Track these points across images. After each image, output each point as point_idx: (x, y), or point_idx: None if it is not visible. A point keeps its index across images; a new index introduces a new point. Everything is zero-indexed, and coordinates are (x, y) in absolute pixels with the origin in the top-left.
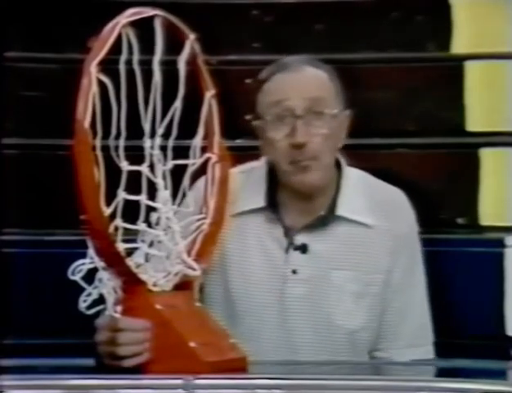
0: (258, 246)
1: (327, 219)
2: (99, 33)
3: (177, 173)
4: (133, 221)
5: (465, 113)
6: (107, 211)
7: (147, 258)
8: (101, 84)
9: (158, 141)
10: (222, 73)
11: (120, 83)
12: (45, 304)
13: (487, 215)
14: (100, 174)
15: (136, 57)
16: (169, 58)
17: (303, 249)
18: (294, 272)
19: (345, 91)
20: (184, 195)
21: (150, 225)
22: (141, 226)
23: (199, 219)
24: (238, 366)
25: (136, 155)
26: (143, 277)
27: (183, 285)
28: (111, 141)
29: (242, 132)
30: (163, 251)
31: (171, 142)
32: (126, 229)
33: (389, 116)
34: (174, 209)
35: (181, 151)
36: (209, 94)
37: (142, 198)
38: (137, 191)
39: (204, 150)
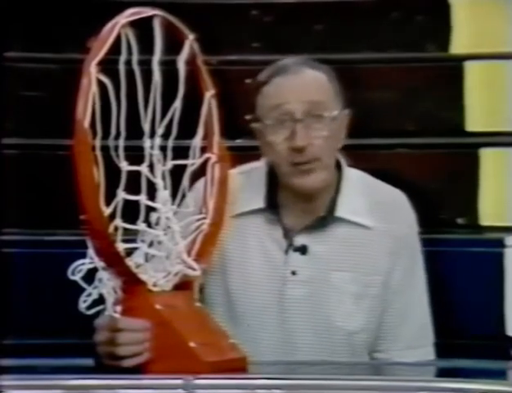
0: (258, 247)
1: (327, 220)
2: (98, 33)
3: (176, 174)
4: (133, 221)
5: (465, 113)
6: (107, 211)
7: (147, 258)
8: (101, 84)
9: (158, 141)
10: (222, 73)
11: (119, 83)
12: (45, 304)
13: (487, 215)
14: (99, 174)
15: (135, 57)
16: (169, 58)
17: (303, 250)
18: (294, 273)
19: (345, 91)
20: (184, 195)
21: (149, 225)
22: (140, 226)
23: (198, 220)
24: (238, 366)
25: (135, 155)
26: (143, 277)
27: (183, 285)
28: (111, 141)
29: (242, 132)
30: (163, 251)
31: (170, 142)
32: (126, 229)
33: (389, 116)
34: (174, 209)
35: (181, 152)
36: (209, 94)
37: (142, 198)
38: (137, 192)
39: (203, 150)
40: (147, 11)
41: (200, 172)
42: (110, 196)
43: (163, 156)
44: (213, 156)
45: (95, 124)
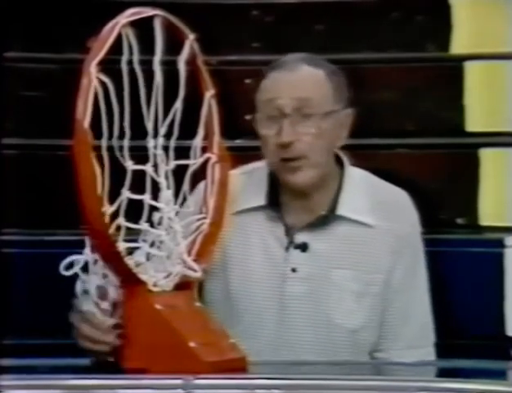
0: (259, 244)
1: (328, 218)
2: (99, 33)
3: (177, 174)
4: (135, 221)
5: (465, 113)
6: (109, 210)
7: (148, 258)
8: (102, 85)
9: (160, 141)
10: (222, 73)
11: (119, 83)
12: (45, 304)
13: (487, 215)
14: (104, 174)
15: (136, 57)
16: (169, 58)
17: (303, 247)
18: (294, 270)
19: (349, 89)
20: (185, 195)
21: (151, 225)
22: (143, 225)
23: (199, 219)
24: (238, 366)
25: (134, 155)
26: (143, 277)
27: (183, 285)
28: (114, 141)
29: (242, 132)
30: (164, 251)
31: (172, 143)
32: (127, 229)
33: (389, 116)
34: (176, 209)
35: (181, 152)
36: (209, 94)
37: (146, 198)
38: (137, 192)
39: (203, 150)
40: (148, 11)
41: (202, 172)
42: (110, 197)
43: (166, 156)
44: (213, 156)
45: (96, 125)
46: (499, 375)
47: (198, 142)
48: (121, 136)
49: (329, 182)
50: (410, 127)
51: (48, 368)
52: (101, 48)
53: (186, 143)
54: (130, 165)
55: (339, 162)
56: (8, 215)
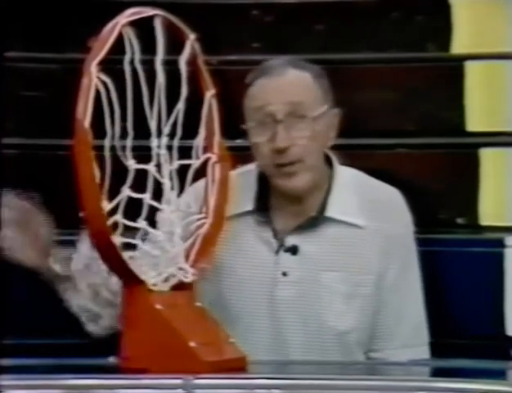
0: (249, 249)
1: (317, 220)
2: (99, 33)
3: (178, 174)
4: (134, 221)
5: (465, 113)
6: (107, 207)
7: (146, 258)
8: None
9: (164, 141)
10: (222, 73)
11: (119, 83)
12: (45, 304)
13: (487, 215)
14: (106, 174)
15: (136, 57)
16: (169, 58)
17: (294, 250)
18: (285, 274)
19: (333, 89)
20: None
21: (149, 224)
22: (141, 225)
23: (199, 219)
24: (238, 366)
25: (135, 155)
26: (143, 277)
27: (183, 285)
28: (116, 140)
29: (242, 132)
30: (161, 252)
31: (176, 143)
32: (128, 228)
33: (389, 116)
34: (176, 209)
35: (182, 152)
36: (209, 94)
37: (146, 197)
38: (137, 192)
39: (204, 150)
40: (148, 11)
41: (203, 172)
42: (110, 197)
43: (169, 157)
44: (213, 156)
45: (97, 125)
46: (499, 375)
47: (199, 141)
48: (123, 136)
49: (319, 184)
50: (410, 127)
51: (48, 368)
52: (101, 48)
53: (187, 143)
54: (132, 165)
55: (328, 162)
56: None
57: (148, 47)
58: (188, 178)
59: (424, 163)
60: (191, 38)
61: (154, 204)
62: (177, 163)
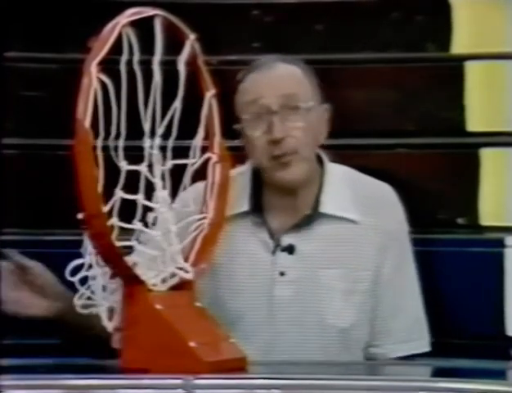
0: (245, 250)
1: (312, 217)
2: (99, 33)
3: (179, 174)
4: (130, 221)
5: (465, 113)
6: (104, 209)
7: (144, 258)
8: (101, 84)
9: (157, 141)
10: (222, 73)
11: (119, 83)
12: None
13: (487, 215)
14: (99, 174)
15: (136, 57)
16: (169, 58)
17: (290, 250)
18: (282, 274)
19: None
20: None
21: (147, 225)
22: (137, 225)
23: (199, 219)
24: (238, 366)
25: (133, 155)
26: (143, 277)
27: (183, 285)
28: (111, 141)
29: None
30: (158, 252)
31: (170, 143)
32: (124, 229)
33: (389, 116)
34: (172, 209)
35: (183, 152)
36: (210, 94)
37: (139, 198)
38: (133, 192)
39: (204, 150)
40: (148, 11)
41: (202, 173)
42: (107, 197)
43: (164, 157)
44: (213, 156)
45: (95, 125)
46: (499, 375)
47: (197, 141)
48: (118, 136)
49: (312, 181)
50: (410, 127)
51: (48, 368)
52: (101, 48)
53: (188, 143)
54: (124, 165)
55: (318, 160)
56: (8, 215)
57: (148, 47)
58: (187, 178)
59: (424, 163)
60: (191, 38)
61: (150, 204)
62: (170, 163)
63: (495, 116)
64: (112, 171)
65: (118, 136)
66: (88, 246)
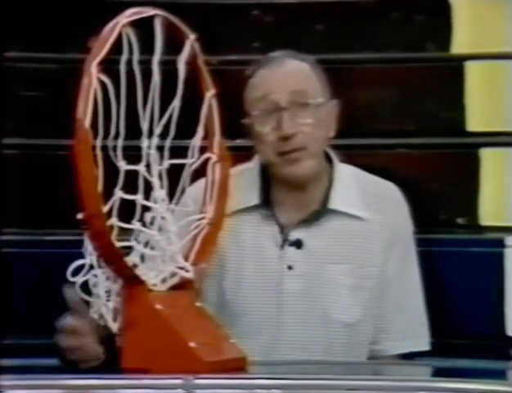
0: (253, 243)
1: (321, 213)
2: (99, 33)
3: (179, 174)
4: (129, 221)
5: (465, 113)
6: (104, 210)
7: (143, 258)
8: (101, 84)
9: (155, 141)
10: (222, 73)
11: (118, 83)
12: (45, 304)
13: (487, 215)
14: (99, 174)
15: (136, 57)
16: (169, 58)
17: (298, 244)
18: (290, 268)
19: (333, 89)
20: (183, 194)
21: (144, 225)
22: (136, 225)
23: (198, 219)
24: (238, 366)
25: (132, 155)
26: (143, 277)
27: (183, 285)
28: (109, 141)
29: (242, 132)
30: (158, 251)
31: (168, 142)
32: (124, 229)
33: (389, 116)
34: (171, 208)
35: (184, 152)
36: (209, 94)
37: (138, 197)
38: (133, 192)
39: (204, 150)
40: (148, 11)
41: (202, 172)
42: (105, 196)
43: (162, 156)
44: (213, 156)
45: (94, 124)
46: (499, 375)
47: (196, 141)
48: (117, 136)
49: (320, 178)
50: (410, 127)
51: (48, 368)
52: (101, 48)
53: (187, 143)
54: (123, 165)
55: (327, 158)
56: (8, 215)
57: (148, 47)
58: (186, 178)
59: (424, 163)
60: (191, 38)
61: (148, 204)
62: (167, 162)
63: (495, 116)
64: (111, 171)
65: (117, 135)
66: (89, 247)
